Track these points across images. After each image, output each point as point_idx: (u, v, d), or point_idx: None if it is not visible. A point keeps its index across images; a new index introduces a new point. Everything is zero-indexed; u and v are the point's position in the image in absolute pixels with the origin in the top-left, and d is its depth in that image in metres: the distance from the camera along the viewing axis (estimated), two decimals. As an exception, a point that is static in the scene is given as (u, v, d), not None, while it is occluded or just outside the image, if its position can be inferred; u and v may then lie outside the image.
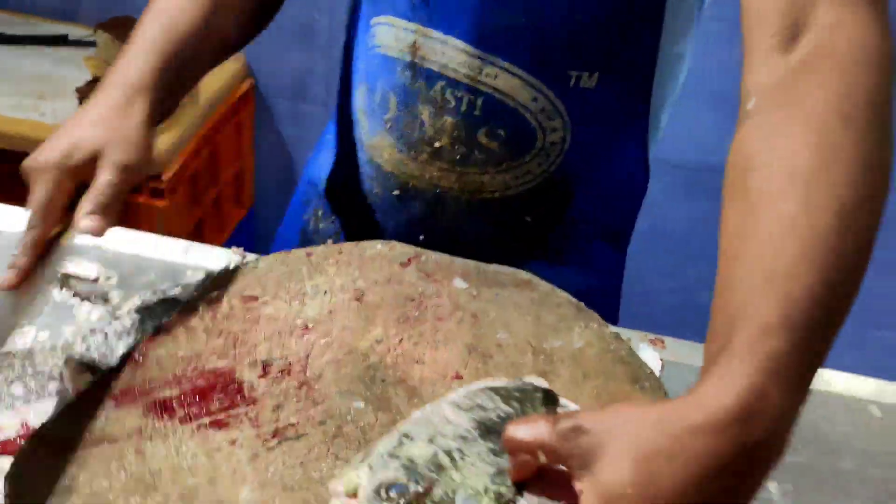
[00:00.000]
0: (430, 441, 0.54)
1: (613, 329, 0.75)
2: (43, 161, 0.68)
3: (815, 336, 0.45)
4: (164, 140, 1.67)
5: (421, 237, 0.89)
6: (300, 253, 0.76)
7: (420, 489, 0.50)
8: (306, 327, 0.68)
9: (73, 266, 0.83)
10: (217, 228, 2.04)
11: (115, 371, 0.62)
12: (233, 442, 0.57)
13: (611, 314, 0.99)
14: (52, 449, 0.55)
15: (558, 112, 0.80)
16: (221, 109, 1.90)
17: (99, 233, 0.66)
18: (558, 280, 0.79)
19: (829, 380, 0.85)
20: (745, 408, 0.42)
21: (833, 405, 0.82)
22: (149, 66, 0.74)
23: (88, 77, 1.83)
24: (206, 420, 0.59)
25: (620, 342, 0.72)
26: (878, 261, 0.53)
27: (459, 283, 0.75)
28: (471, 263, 0.78)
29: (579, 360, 0.69)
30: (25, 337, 0.74)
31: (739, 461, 0.42)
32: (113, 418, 0.58)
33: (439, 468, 0.51)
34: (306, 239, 1.02)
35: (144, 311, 0.78)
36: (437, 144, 0.84)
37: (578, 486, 0.44)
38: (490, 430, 0.54)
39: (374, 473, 0.51)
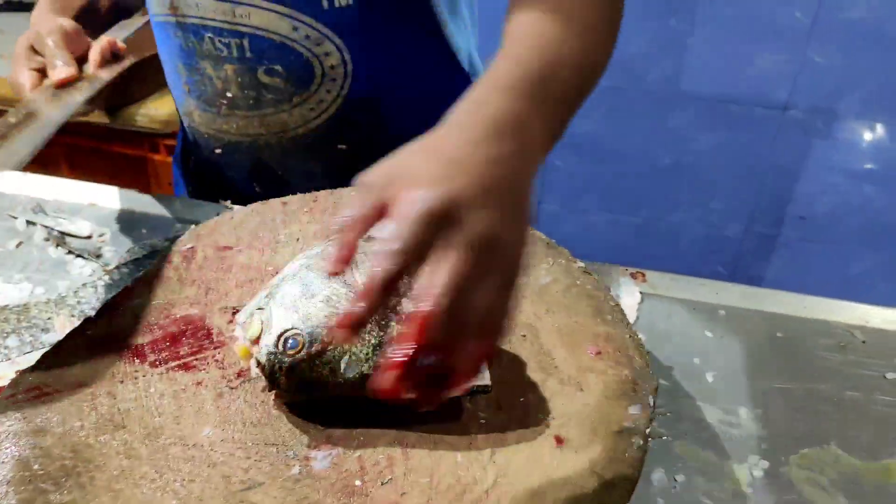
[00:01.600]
0: (327, 301, 0.57)
1: (585, 264, 0.75)
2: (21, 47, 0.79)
3: (541, 81, 0.55)
4: (163, 105, 1.70)
5: (256, 188, 0.93)
6: (275, 202, 0.78)
7: (313, 350, 0.55)
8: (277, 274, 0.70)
9: (67, 224, 0.87)
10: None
11: (95, 320, 0.65)
12: (199, 383, 0.60)
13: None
14: (30, 394, 0.58)
15: (325, 36, 0.80)
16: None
17: (71, 75, 0.78)
18: None
19: (812, 306, 0.85)
20: (514, 120, 0.51)
21: (816, 330, 0.82)
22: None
23: (104, 40, 1.87)
24: (175, 363, 0.62)
25: (588, 276, 0.73)
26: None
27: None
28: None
29: (543, 296, 0.70)
30: (21, 292, 0.78)
31: (511, 159, 0.49)
32: (87, 364, 0.61)
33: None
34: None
35: (133, 265, 0.82)
36: (228, 94, 0.86)
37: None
38: None
39: (274, 324, 0.56)
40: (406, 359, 0.46)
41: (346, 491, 0.54)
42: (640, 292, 0.85)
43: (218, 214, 0.82)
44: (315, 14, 0.79)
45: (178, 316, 0.66)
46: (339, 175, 0.87)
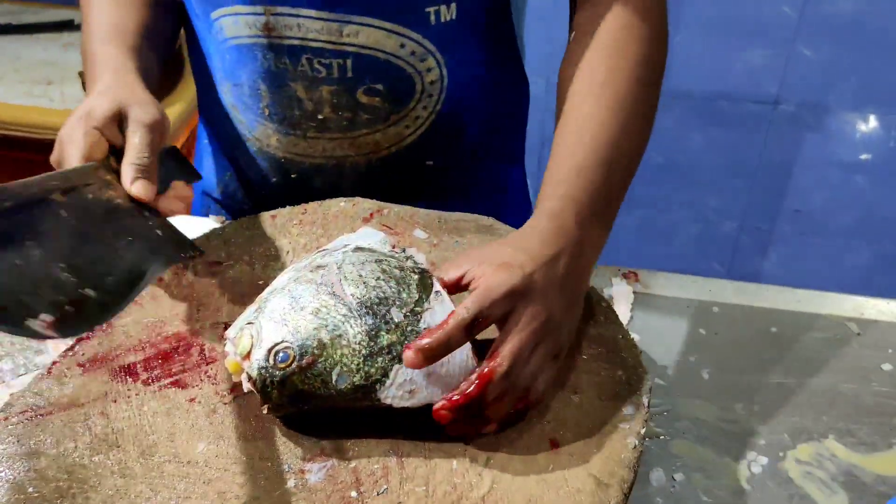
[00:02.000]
0: (316, 314, 0.57)
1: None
2: (69, 128, 0.65)
3: (599, 190, 0.67)
4: (172, 113, 1.70)
5: None
6: (265, 216, 0.78)
7: (303, 363, 0.55)
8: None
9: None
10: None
11: (86, 340, 0.65)
12: (192, 400, 0.60)
13: None
14: (23, 416, 0.58)
15: (429, 51, 0.79)
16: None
17: (150, 196, 0.63)
18: (471, 210, 0.80)
19: (805, 299, 0.85)
20: (577, 224, 0.64)
21: (810, 324, 0.82)
22: (125, 56, 0.75)
23: (93, 60, 1.87)
24: (168, 381, 0.62)
25: (580, 279, 0.73)
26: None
27: (419, 234, 0.77)
28: (433, 213, 0.80)
29: (535, 300, 0.70)
30: (14, 315, 0.78)
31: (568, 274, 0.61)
32: (79, 384, 0.61)
33: (321, 345, 0.56)
34: None
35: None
36: (319, 117, 0.83)
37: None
38: (370, 309, 0.57)
39: (265, 338, 0.56)
40: (462, 401, 0.56)
41: (342, 503, 0.54)
42: (634, 292, 0.85)
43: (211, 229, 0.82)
44: (423, 30, 0.78)
45: (169, 333, 0.66)
46: (425, 191, 0.87)
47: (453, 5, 0.77)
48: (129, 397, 0.60)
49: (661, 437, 0.70)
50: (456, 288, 0.61)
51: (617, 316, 0.70)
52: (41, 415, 0.59)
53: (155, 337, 0.65)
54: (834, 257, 2.22)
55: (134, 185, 0.63)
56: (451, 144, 0.89)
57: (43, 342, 0.75)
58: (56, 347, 0.74)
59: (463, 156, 0.91)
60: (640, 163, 0.74)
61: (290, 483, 0.55)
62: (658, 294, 0.86)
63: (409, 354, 0.54)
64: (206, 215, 1.00)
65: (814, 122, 2.06)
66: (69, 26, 2.02)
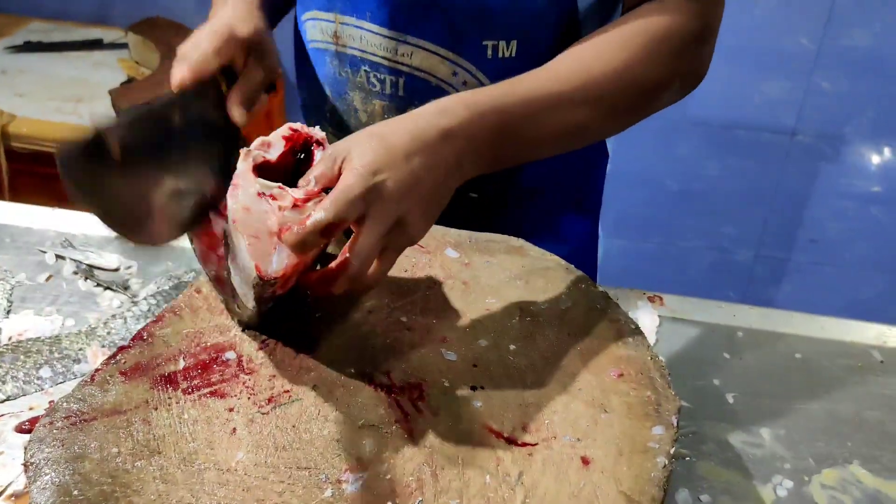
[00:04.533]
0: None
1: (604, 288, 0.76)
2: (207, 34, 0.71)
3: (515, 119, 0.66)
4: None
5: None
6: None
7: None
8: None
9: (95, 257, 0.89)
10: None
11: (127, 349, 0.67)
12: (230, 409, 0.62)
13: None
14: (67, 421, 0.60)
15: (481, 84, 0.79)
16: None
17: (242, 122, 0.72)
18: None
19: (828, 327, 0.86)
20: (464, 140, 0.63)
21: (834, 351, 0.83)
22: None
23: (123, 78, 1.90)
24: (207, 390, 0.63)
25: (608, 301, 0.74)
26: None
27: (451, 253, 0.78)
28: (464, 233, 0.81)
29: (565, 321, 0.71)
30: (52, 324, 0.80)
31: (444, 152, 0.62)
32: (121, 392, 0.62)
33: None
34: None
35: (160, 297, 0.83)
36: None
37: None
38: None
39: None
40: (318, 276, 0.62)
41: (378, 513, 0.55)
42: (659, 315, 0.86)
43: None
44: (478, 62, 0.79)
45: (208, 344, 0.67)
46: (464, 223, 0.86)
47: (514, 43, 0.78)
48: (169, 405, 0.62)
49: (687, 459, 0.71)
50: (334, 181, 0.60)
51: (645, 338, 0.71)
52: (85, 420, 0.60)
53: (194, 347, 0.67)
54: (849, 287, 2.23)
55: (235, 111, 0.71)
56: (500, 181, 0.88)
57: (87, 351, 0.77)
58: (95, 356, 0.76)
59: (517, 196, 0.90)
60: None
61: (328, 493, 0.56)
62: (682, 318, 0.87)
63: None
64: None
65: (830, 153, 2.07)
66: (98, 45, 2.06)
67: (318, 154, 0.64)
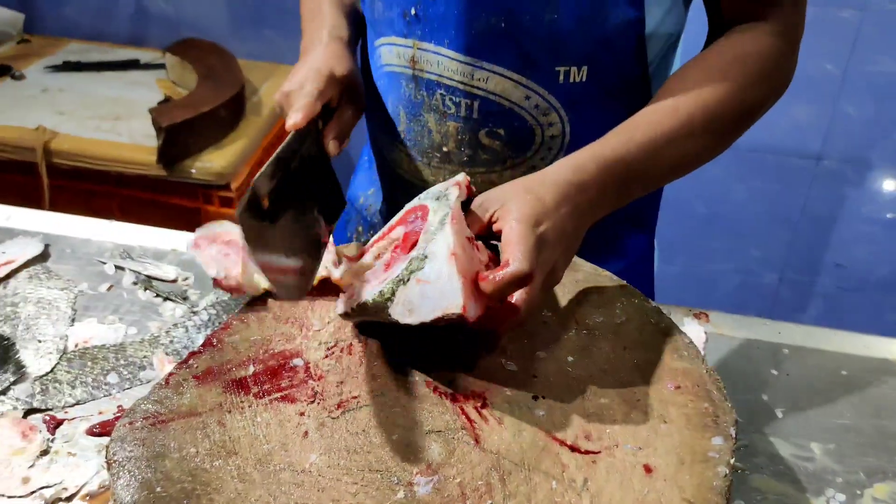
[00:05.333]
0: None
1: (656, 304, 0.78)
2: (304, 78, 0.78)
3: (633, 168, 0.73)
4: (231, 152, 1.77)
5: None
6: (354, 243, 0.82)
7: None
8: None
9: (154, 269, 0.91)
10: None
11: (198, 354, 0.69)
12: (301, 413, 0.64)
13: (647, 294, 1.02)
14: (146, 422, 0.62)
15: (553, 107, 0.83)
16: (281, 121, 1.99)
17: (336, 154, 0.79)
18: None
19: (872, 345, 0.87)
20: (597, 191, 0.71)
21: (879, 368, 0.84)
22: (344, 21, 0.89)
23: (160, 97, 1.95)
24: (278, 395, 0.65)
25: (661, 316, 0.76)
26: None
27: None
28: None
29: (620, 334, 0.73)
30: (116, 332, 0.83)
31: (578, 206, 0.69)
32: (196, 395, 0.65)
33: None
34: None
35: (219, 307, 0.86)
36: (444, 149, 0.89)
37: (498, 225, 0.67)
38: None
39: None
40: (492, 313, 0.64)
41: (450, 515, 0.57)
42: (705, 332, 0.87)
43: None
44: (550, 86, 0.82)
45: (276, 351, 0.69)
46: None
47: (585, 68, 0.81)
48: (242, 409, 0.64)
49: (740, 471, 0.72)
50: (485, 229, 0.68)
51: (699, 352, 0.72)
52: (162, 421, 0.62)
53: (262, 354, 0.69)
54: (873, 311, 2.23)
55: (332, 145, 0.78)
56: None
57: (150, 363, 0.79)
58: (161, 363, 0.78)
59: None
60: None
61: (400, 494, 0.58)
62: (728, 334, 0.88)
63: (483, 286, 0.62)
64: (347, 223, 1.08)
65: (855, 178, 2.09)
66: (135, 65, 2.10)
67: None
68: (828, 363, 0.85)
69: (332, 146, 0.78)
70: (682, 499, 0.59)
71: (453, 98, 0.85)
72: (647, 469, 0.61)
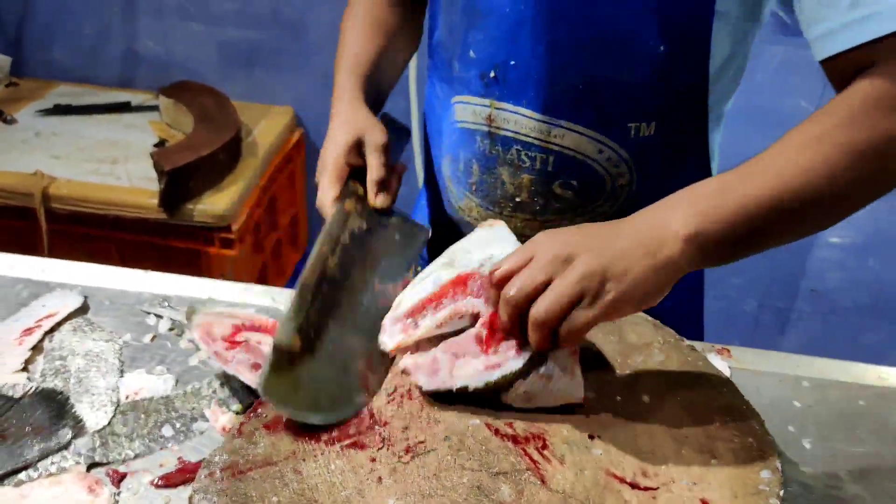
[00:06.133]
0: None
1: (689, 342, 0.83)
2: (324, 157, 0.88)
3: (731, 237, 0.69)
4: (231, 194, 1.79)
5: None
6: (400, 292, 0.86)
7: None
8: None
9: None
10: (278, 272, 2.15)
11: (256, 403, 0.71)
12: (373, 459, 0.66)
13: (696, 329, 1.07)
14: (226, 472, 0.64)
15: (623, 159, 0.89)
16: (276, 161, 2.02)
17: (390, 204, 0.86)
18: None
19: (887, 375, 0.92)
20: (680, 251, 0.68)
21: (895, 398, 0.89)
22: (357, 87, 0.94)
23: (155, 139, 1.96)
24: (347, 442, 0.68)
25: (695, 353, 0.80)
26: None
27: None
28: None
29: (663, 374, 0.77)
30: (165, 383, 0.84)
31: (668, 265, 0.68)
32: (269, 444, 0.67)
33: None
34: None
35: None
36: (517, 199, 0.94)
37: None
38: None
39: None
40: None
41: (528, 554, 0.60)
42: (729, 367, 0.92)
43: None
44: (622, 141, 0.88)
45: (338, 399, 0.72)
46: None
47: (653, 123, 0.87)
48: (315, 456, 0.66)
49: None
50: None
51: (737, 388, 0.77)
52: (241, 472, 0.64)
53: (326, 402, 0.72)
54: (850, 334, 2.31)
55: (378, 198, 0.86)
56: None
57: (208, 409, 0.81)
58: (215, 415, 0.80)
59: None
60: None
61: (479, 535, 0.61)
62: (749, 369, 0.93)
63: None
64: None
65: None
66: (126, 108, 2.12)
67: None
68: (846, 394, 0.90)
69: (379, 200, 0.83)
70: (741, 530, 0.63)
71: (529, 153, 0.90)
72: (704, 503, 0.65)
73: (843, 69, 0.73)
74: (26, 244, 1.78)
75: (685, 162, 0.92)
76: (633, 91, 0.85)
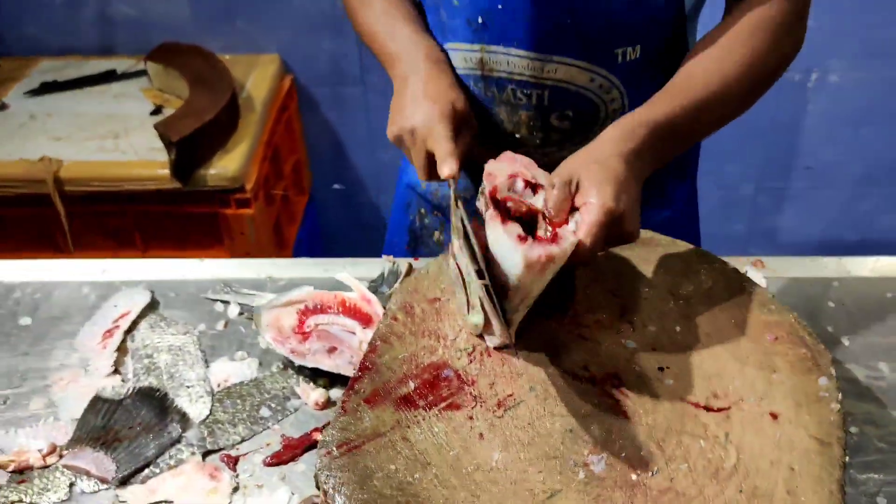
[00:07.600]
0: None
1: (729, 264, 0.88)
2: (421, 121, 0.85)
3: (676, 131, 0.83)
4: (239, 154, 1.80)
5: None
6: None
7: None
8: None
9: (260, 299, 0.98)
10: (289, 219, 2.19)
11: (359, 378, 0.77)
12: (470, 417, 0.73)
13: (693, 240, 1.13)
14: (341, 449, 0.70)
15: (614, 85, 0.94)
16: (273, 113, 2.02)
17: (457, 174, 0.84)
18: (643, 220, 0.93)
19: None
20: (648, 153, 0.80)
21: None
22: (429, 43, 0.94)
23: (150, 107, 1.95)
24: (443, 404, 0.74)
25: (739, 274, 0.86)
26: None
27: (594, 251, 0.89)
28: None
29: (713, 298, 0.83)
30: (250, 367, 0.90)
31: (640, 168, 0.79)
32: (373, 417, 0.73)
33: None
34: (415, 235, 1.17)
35: (335, 324, 0.93)
36: (517, 136, 0.99)
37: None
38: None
39: None
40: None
41: (627, 485, 0.67)
42: (764, 277, 0.98)
43: (384, 268, 0.97)
44: (610, 67, 0.93)
45: (425, 364, 0.78)
46: None
47: (638, 47, 0.92)
48: (418, 422, 0.73)
49: (828, 398, 0.84)
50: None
51: (781, 305, 0.83)
52: (356, 446, 0.71)
53: (415, 369, 0.77)
54: (845, 205, 2.39)
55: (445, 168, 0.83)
56: None
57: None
58: (306, 392, 0.86)
59: None
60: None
61: (581, 475, 0.68)
62: (783, 276, 0.99)
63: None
64: (408, 206, 1.16)
65: (817, 84, 2.21)
66: (113, 77, 2.09)
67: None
68: (873, 289, 0.97)
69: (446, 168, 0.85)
70: (810, 436, 0.70)
71: (524, 91, 0.94)
72: (773, 416, 0.72)
73: None
74: (44, 231, 1.81)
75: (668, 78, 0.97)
76: (615, 16, 0.89)
